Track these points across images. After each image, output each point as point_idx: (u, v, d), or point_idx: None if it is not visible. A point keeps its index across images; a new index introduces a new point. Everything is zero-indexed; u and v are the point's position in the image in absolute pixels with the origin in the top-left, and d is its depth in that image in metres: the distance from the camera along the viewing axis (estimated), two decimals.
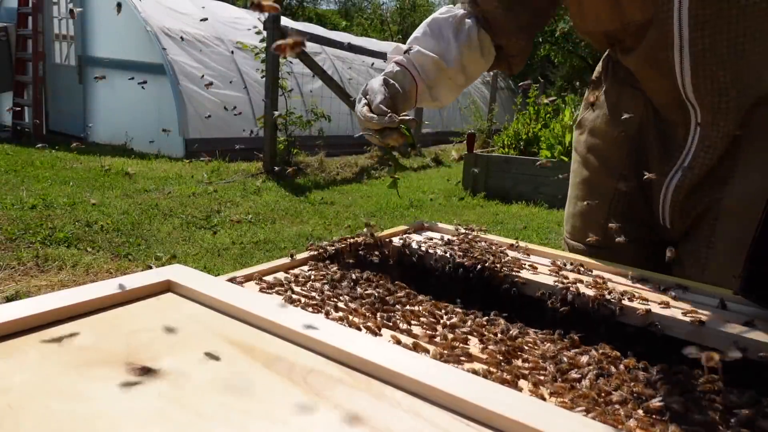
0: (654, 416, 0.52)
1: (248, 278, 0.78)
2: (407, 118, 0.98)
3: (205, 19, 5.08)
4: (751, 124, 0.97)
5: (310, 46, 7.33)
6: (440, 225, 1.18)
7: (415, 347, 0.61)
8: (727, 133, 0.98)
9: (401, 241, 1.03)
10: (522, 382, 0.56)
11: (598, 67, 1.27)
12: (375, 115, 0.97)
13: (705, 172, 1.02)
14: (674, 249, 0.96)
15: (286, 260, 0.88)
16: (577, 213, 1.24)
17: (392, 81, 1.06)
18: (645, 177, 1.01)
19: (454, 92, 1.17)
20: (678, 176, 1.05)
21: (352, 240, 0.98)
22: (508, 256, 0.98)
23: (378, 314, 0.70)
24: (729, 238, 1.00)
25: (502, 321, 0.71)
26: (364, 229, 1.02)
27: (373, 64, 8.84)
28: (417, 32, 1.14)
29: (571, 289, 0.82)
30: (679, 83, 0.98)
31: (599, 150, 1.20)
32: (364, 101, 1.02)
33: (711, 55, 0.93)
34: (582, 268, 0.95)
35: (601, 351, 0.65)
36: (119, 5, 0.84)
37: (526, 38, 1.18)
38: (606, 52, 1.23)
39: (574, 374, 0.58)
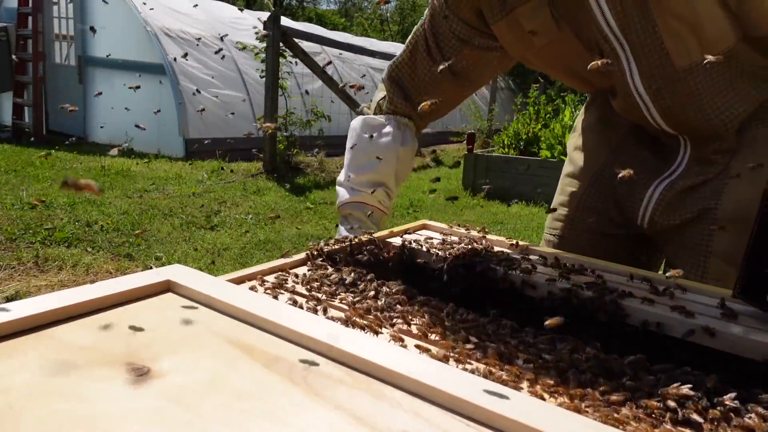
0: (654, 416, 0.51)
1: (248, 278, 0.78)
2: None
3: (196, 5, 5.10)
4: (738, 141, 1.05)
5: (310, 46, 7.33)
6: (440, 225, 1.18)
7: (416, 347, 0.61)
8: (720, 149, 1.06)
9: (401, 241, 1.03)
10: (522, 382, 0.56)
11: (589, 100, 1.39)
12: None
13: (698, 182, 1.08)
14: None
15: (286, 260, 0.88)
16: (556, 205, 1.33)
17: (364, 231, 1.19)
18: (620, 175, 1.06)
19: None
20: (666, 183, 1.12)
21: (352, 240, 0.98)
22: (507, 256, 0.98)
23: (378, 314, 0.70)
24: (726, 246, 1.05)
25: (503, 321, 0.71)
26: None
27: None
28: (351, 168, 1.25)
29: (571, 289, 0.82)
30: (658, 128, 1.08)
31: (582, 149, 1.30)
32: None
33: (677, 108, 1.01)
34: (582, 268, 0.94)
35: (600, 351, 0.65)
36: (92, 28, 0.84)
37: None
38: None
39: (574, 374, 0.58)
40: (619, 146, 1.22)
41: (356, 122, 1.27)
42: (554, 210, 1.30)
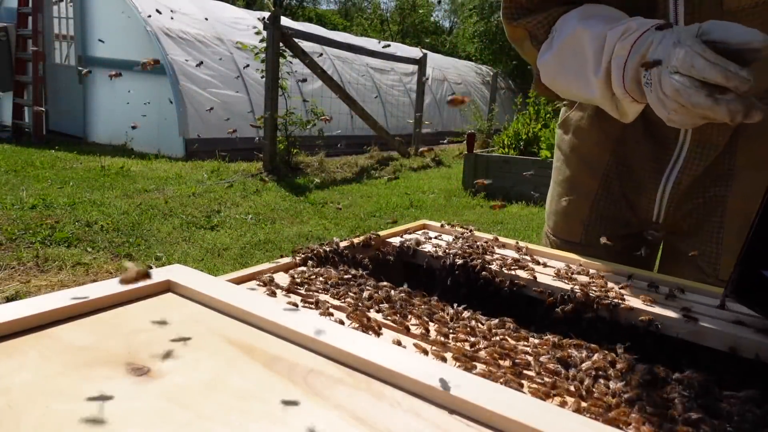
0: (654, 416, 0.51)
1: (248, 278, 0.78)
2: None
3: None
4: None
5: (310, 46, 7.34)
6: (440, 225, 1.18)
7: (415, 347, 0.61)
8: (724, 130, 1.01)
9: (401, 241, 1.03)
10: (522, 382, 0.56)
11: None
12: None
13: (703, 167, 1.05)
14: (647, 249, 0.95)
15: (286, 260, 0.88)
16: (560, 211, 1.28)
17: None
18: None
19: None
20: (676, 172, 1.08)
21: (352, 240, 0.98)
22: (508, 256, 0.98)
23: (378, 314, 0.70)
24: (738, 234, 1.03)
25: (503, 321, 0.71)
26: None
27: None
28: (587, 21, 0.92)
29: (571, 289, 0.82)
30: None
31: (582, 151, 1.23)
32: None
33: None
34: (581, 268, 0.95)
35: (601, 351, 0.65)
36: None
37: None
38: None
39: (574, 374, 0.58)
40: (620, 140, 1.17)
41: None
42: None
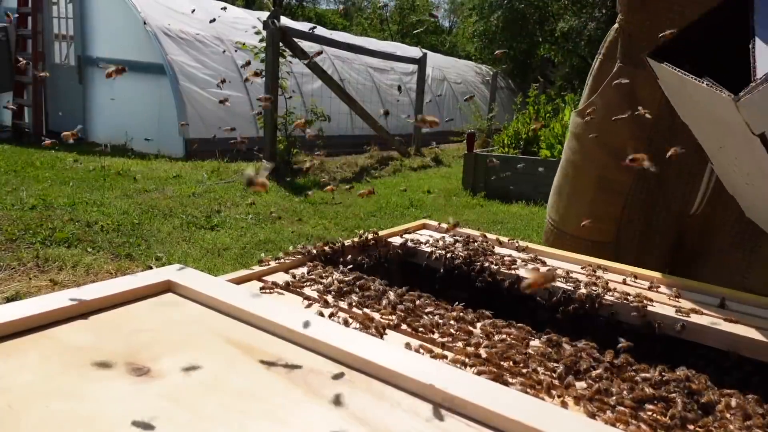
0: (655, 416, 0.51)
1: (248, 278, 0.78)
2: None
3: (193, 10, 4.99)
4: None
5: (310, 46, 7.33)
6: (440, 225, 1.17)
7: (417, 347, 0.61)
8: None
9: (402, 240, 1.03)
10: (522, 381, 0.56)
11: (606, 42, 1.14)
12: None
13: None
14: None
15: (286, 260, 0.88)
16: (586, 209, 1.18)
17: None
18: (669, 154, 0.85)
19: None
20: None
21: (352, 240, 0.98)
22: (507, 255, 0.98)
23: (378, 314, 0.70)
24: None
25: (503, 321, 0.71)
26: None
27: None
28: None
29: (572, 289, 0.82)
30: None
31: (613, 144, 1.11)
32: None
33: None
34: (582, 268, 0.94)
35: (601, 351, 0.65)
36: None
37: None
38: (616, 26, 1.11)
39: (574, 374, 0.58)
40: (655, 130, 1.04)
41: None
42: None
